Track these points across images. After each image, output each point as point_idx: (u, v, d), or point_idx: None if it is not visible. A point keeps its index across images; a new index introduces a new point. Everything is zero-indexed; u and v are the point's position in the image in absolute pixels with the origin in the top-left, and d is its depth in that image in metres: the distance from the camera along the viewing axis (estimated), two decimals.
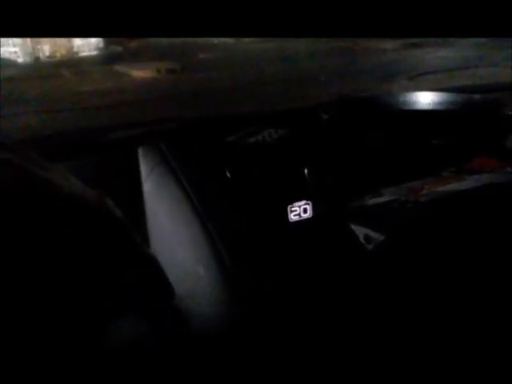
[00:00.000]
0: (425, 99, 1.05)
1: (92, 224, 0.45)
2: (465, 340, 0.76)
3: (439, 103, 1.03)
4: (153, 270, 0.51)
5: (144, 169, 0.91)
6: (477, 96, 1.07)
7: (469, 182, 0.81)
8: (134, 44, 5.60)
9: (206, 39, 5.74)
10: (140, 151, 0.92)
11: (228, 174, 0.88)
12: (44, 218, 0.42)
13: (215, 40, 5.95)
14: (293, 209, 0.88)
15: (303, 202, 0.89)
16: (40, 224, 0.41)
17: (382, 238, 0.78)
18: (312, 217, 0.89)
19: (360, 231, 0.80)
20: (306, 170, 0.91)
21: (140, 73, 4.97)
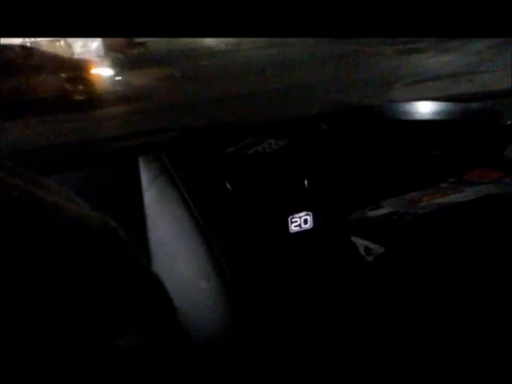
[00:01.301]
0: (423, 109, 1.05)
1: (96, 246, 0.45)
2: (462, 350, 0.76)
3: (438, 113, 1.04)
4: (154, 289, 0.52)
5: (145, 180, 0.91)
6: (475, 105, 1.07)
7: (468, 193, 0.81)
8: (134, 51, 5.61)
9: (205, 46, 5.75)
10: (141, 162, 0.92)
11: (228, 186, 0.88)
12: (49, 242, 0.42)
13: (215, 47, 5.96)
14: (293, 220, 0.88)
15: (304, 213, 0.89)
16: (44, 247, 0.42)
17: (381, 249, 0.78)
18: (313, 228, 0.89)
19: (360, 243, 0.80)
20: (306, 181, 0.91)
21: (140, 80, 4.98)
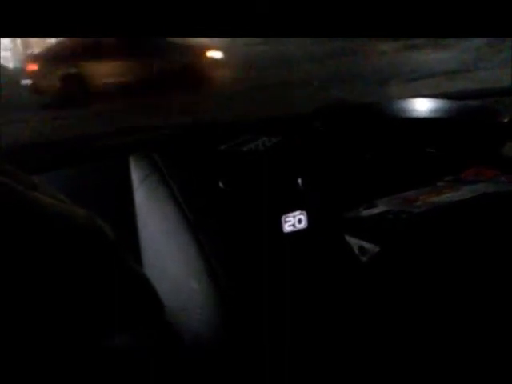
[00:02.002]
0: (419, 107, 1.04)
1: (79, 242, 0.44)
2: (459, 350, 0.75)
3: (434, 111, 1.02)
4: (142, 288, 0.51)
5: (135, 178, 0.89)
6: (472, 103, 1.06)
7: (464, 192, 0.80)
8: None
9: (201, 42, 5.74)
10: (131, 160, 0.91)
11: (221, 184, 0.87)
12: (27, 238, 0.41)
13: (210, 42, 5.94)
14: (287, 219, 0.87)
15: (298, 213, 0.87)
16: (23, 244, 0.40)
17: (376, 249, 0.76)
18: (307, 227, 0.87)
19: (354, 242, 0.79)
20: (300, 180, 0.90)
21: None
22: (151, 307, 0.52)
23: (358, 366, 0.75)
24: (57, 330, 0.41)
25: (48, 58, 4.22)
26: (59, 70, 4.08)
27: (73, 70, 4.10)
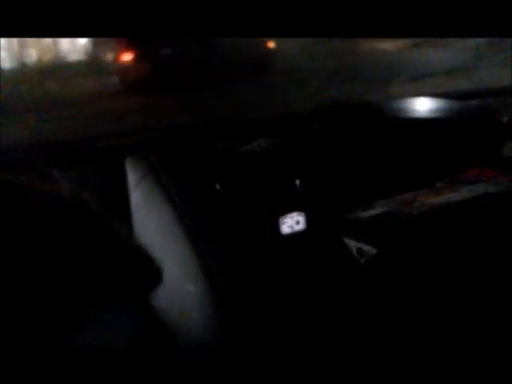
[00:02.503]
0: (419, 107, 1.03)
1: (66, 217, 0.46)
2: (457, 352, 0.75)
3: (433, 111, 1.02)
4: (136, 254, 0.52)
5: (131, 180, 0.89)
6: (472, 103, 1.05)
7: (463, 193, 0.79)
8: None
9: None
10: (127, 162, 0.90)
11: (217, 186, 0.86)
12: (20, 212, 0.43)
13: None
14: (285, 220, 0.86)
15: (296, 214, 0.87)
16: (15, 217, 0.43)
17: (374, 251, 0.76)
18: (305, 229, 0.87)
19: (353, 244, 0.78)
20: (298, 181, 0.89)
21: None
22: (147, 273, 0.53)
23: (356, 367, 0.74)
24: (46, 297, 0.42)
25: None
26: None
27: None
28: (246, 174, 0.89)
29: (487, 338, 0.74)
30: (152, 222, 0.85)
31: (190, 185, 0.86)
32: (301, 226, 0.86)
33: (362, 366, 0.74)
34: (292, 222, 0.86)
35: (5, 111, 1.35)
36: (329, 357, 0.74)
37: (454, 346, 0.74)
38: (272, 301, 0.78)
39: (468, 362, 0.73)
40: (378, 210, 0.80)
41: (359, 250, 0.77)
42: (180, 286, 0.78)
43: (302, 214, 0.86)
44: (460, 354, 0.73)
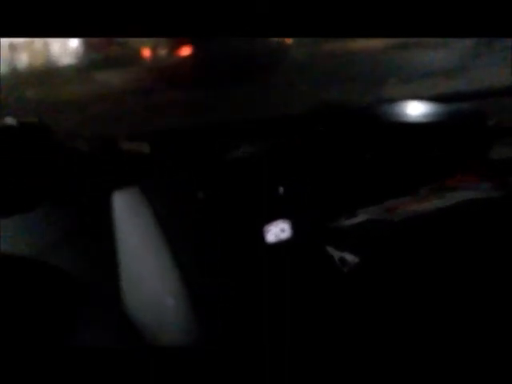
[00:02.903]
0: (406, 111, 1.02)
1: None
2: (448, 359, 0.74)
3: (421, 115, 1.01)
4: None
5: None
6: (461, 106, 1.04)
7: (447, 200, 0.78)
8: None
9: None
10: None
11: (200, 194, 0.85)
12: None
13: None
14: (269, 229, 0.85)
15: (280, 223, 0.86)
16: None
17: (357, 260, 0.75)
18: (290, 238, 0.86)
19: (336, 253, 0.77)
20: (282, 188, 0.88)
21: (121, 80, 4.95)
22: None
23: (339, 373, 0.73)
24: None
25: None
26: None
27: None
28: (229, 181, 0.88)
29: (477, 347, 0.73)
30: (133, 232, 0.84)
31: (172, 194, 0.86)
32: (285, 235, 0.85)
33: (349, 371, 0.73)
34: (277, 231, 0.85)
35: None
36: (320, 366, 0.73)
37: (442, 357, 0.73)
38: (256, 310, 0.77)
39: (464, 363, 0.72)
40: (360, 218, 0.79)
41: (341, 260, 0.76)
42: (160, 299, 0.77)
43: (287, 222, 0.85)
44: (450, 365, 0.73)
